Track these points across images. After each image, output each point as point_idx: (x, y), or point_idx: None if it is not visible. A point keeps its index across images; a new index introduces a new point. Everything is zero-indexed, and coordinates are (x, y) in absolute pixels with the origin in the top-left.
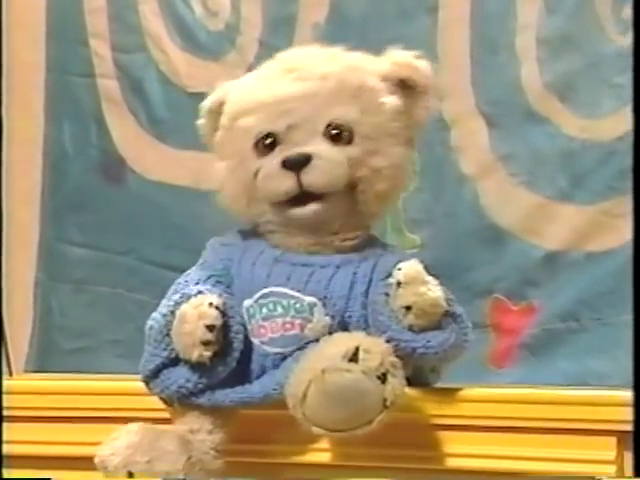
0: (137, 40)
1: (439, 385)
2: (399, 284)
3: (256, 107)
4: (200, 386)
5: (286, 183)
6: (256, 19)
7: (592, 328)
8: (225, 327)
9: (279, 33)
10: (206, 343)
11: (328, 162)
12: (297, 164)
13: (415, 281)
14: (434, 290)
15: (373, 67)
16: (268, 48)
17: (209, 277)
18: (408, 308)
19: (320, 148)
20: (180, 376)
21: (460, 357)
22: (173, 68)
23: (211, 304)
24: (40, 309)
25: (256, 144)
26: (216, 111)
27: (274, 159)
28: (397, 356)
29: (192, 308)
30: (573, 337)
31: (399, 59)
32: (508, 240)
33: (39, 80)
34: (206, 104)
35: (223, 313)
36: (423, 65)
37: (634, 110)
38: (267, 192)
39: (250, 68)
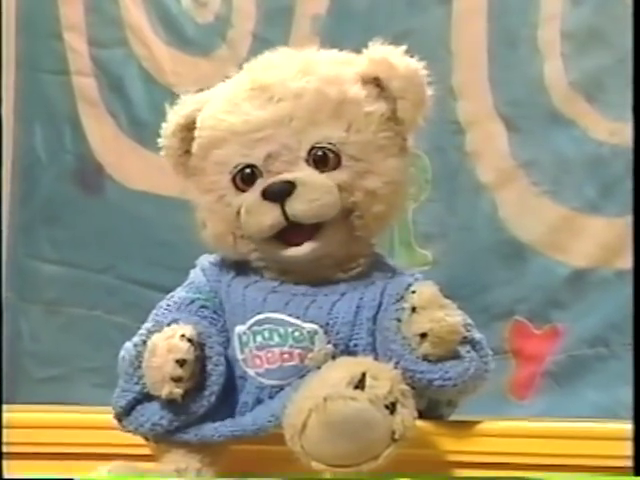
0: (117, 33)
1: (454, 418)
2: (414, 309)
3: (227, 137)
4: (176, 424)
5: (269, 216)
6: (249, 10)
7: (623, 354)
8: (202, 359)
9: (275, 26)
10: (176, 379)
11: (314, 188)
12: (279, 194)
13: (431, 305)
14: (452, 315)
15: (351, 71)
16: (263, 42)
17: (193, 301)
18: (423, 335)
19: (304, 173)
20: (154, 413)
21: (480, 389)
22: (157, 65)
23: (183, 336)
24: (9, 333)
25: (234, 178)
26: (185, 130)
27: (255, 192)
28: (411, 388)
29: (162, 340)
30: (602, 364)
31: (376, 55)
32: (530, 256)
33: (8, 78)
34: (172, 123)
35: (200, 344)
36: (403, 63)
37: (634, 115)
38: (251, 228)
39: (242, 65)
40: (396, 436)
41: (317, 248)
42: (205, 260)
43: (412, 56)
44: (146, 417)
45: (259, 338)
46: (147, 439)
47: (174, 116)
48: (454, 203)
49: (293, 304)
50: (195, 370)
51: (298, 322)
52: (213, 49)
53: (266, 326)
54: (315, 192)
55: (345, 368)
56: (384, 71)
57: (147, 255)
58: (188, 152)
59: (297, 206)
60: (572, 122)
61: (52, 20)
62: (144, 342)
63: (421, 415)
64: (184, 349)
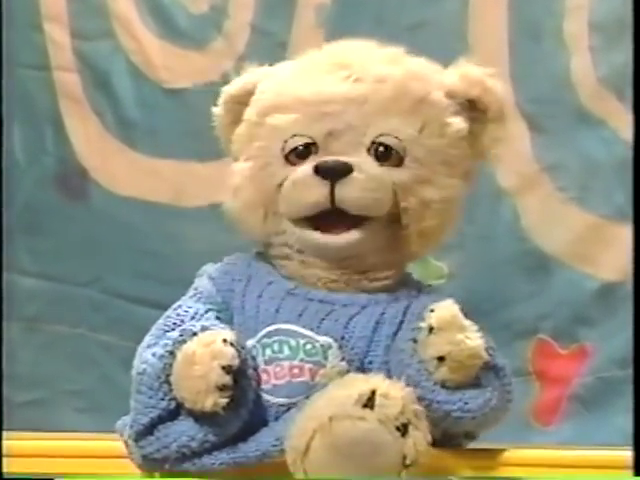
0: (102, 25)
1: (472, 445)
2: (431, 330)
3: (293, 104)
4: (207, 445)
5: (317, 193)
6: None
7: None
8: (238, 371)
9: (275, 16)
10: (222, 388)
11: (371, 179)
12: (334, 172)
13: (451, 327)
14: (473, 338)
15: (439, 78)
16: (262, 34)
17: (207, 311)
18: (441, 359)
19: (363, 161)
20: (182, 433)
21: (502, 421)
22: (146, 59)
23: (225, 341)
24: None
25: (285, 148)
26: (240, 101)
27: (306, 167)
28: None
29: (202, 346)
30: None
31: (470, 74)
32: (555, 269)
33: None
34: (228, 90)
35: (238, 352)
36: (497, 86)
37: (634, 115)
38: (291, 202)
39: (240, 58)
40: (408, 461)
41: (353, 242)
42: (213, 269)
43: (426, 50)
44: (172, 438)
45: (268, 351)
46: (143, 467)
47: (229, 86)
48: (472, 210)
49: (307, 314)
50: (234, 381)
51: (311, 334)
52: (208, 42)
53: (276, 338)
54: (370, 182)
55: (353, 385)
56: (484, 92)
57: (135, 267)
58: (234, 123)
59: (348, 191)
60: (601, 122)
61: (31, 10)
62: (171, 353)
63: (435, 444)
64: (229, 354)
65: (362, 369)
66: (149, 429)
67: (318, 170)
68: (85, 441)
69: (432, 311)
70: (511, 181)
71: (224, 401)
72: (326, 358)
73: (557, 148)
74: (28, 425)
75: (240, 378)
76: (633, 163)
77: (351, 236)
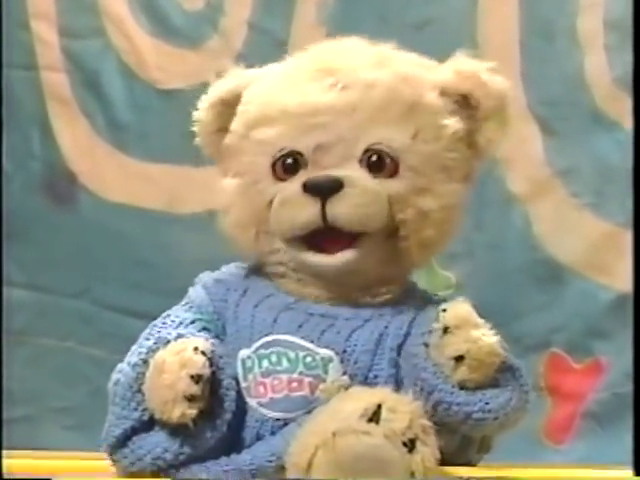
0: (92, 22)
1: (480, 464)
2: (446, 329)
3: (279, 116)
4: (182, 457)
5: (307, 212)
6: None
7: None
8: (214, 381)
9: (274, 13)
10: (191, 398)
11: (363, 192)
12: (324, 189)
13: (467, 324)
14: (489, 335)
15: (432, 76)
16: (260, 32)
17: (193, 321)
18: (459, 359)
19: (354, 174)
20: (156, 444)
21: (519, 423)
22: (139, 58)
23: (196, 349)
24: None
25: (274, 164)
26: (225, 105)
27: (295, 184)
28: (443, 423)
29: (172, 354)
30: None
31: (464, 68)
32: (569, 279)
33: None
34: (212, 95)
35: (210, 361)
36: (495, 81)
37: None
38: (281, 222)
39: (237, 57)
40: (415, 478)
41: (350, 262)
42: (208, 277)
43: (432, 50)
44: (146, 450)
45: (265, 363)
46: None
47: (215, 89)
48: (481, 217)
49: (307, 326)
50: (206, 391)
51: (311, 346)
52: (203, 40)
53: (274, 349)
54: (363, 197)
55: (358, 399)
56: (477, 87)
57: (127, 277)
58: (221, 130)
59: (340, 208)
60: (616, 124)
61: (17, 7)
62: (145, 361)
63: (444, 462)
64: (199, 363)
65: (366, 384)
66: (122, 441)
67: (307, 187)
68: (74, 460)
69: (444, 311)
70: (522, 186)
71: (193, 412)
72: (326, 372)
73: (570, 152)
74: (12, 443)
75: (216, 388)
76: (633, 169)
77: (347, 255)
